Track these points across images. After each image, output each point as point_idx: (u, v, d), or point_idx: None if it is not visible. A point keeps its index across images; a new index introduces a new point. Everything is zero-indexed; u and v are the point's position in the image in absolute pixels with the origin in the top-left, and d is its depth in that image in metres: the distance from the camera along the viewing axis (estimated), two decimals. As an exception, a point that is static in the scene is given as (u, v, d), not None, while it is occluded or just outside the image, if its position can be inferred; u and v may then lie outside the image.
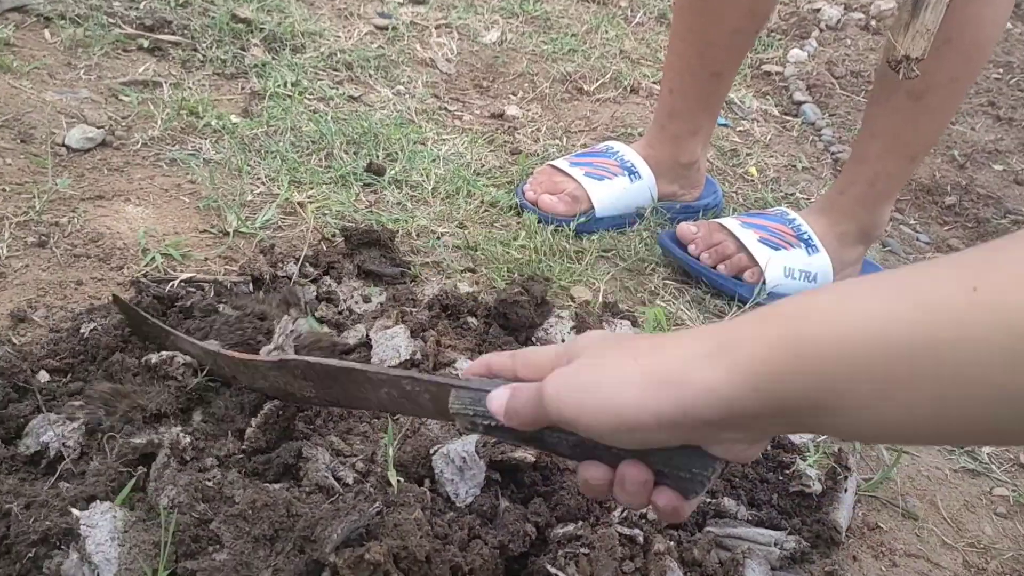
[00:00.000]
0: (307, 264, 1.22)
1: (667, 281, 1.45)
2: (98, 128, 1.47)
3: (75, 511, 0.80)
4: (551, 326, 1.18)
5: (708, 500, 0.99)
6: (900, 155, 1.43)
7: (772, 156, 2.07)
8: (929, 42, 1.06)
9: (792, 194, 1.92)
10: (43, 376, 0.97)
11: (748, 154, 2.06)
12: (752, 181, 1.94)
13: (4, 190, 1.27)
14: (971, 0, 1.24)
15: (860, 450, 1.17)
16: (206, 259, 1.23)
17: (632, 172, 1.59)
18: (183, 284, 1.12)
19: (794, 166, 2.05)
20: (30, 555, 0.80)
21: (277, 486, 0.88)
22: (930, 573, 1.03)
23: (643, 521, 0.94)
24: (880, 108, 1.42)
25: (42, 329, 1.06)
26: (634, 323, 1.24)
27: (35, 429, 0.89)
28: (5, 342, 1.01)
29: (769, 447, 1.10)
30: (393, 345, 1.06)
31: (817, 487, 1.06)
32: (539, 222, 1.48)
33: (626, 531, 0.91)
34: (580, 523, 0.91)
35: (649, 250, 1.53)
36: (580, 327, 1.17)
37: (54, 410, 0.92)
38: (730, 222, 1.50)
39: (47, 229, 1.21)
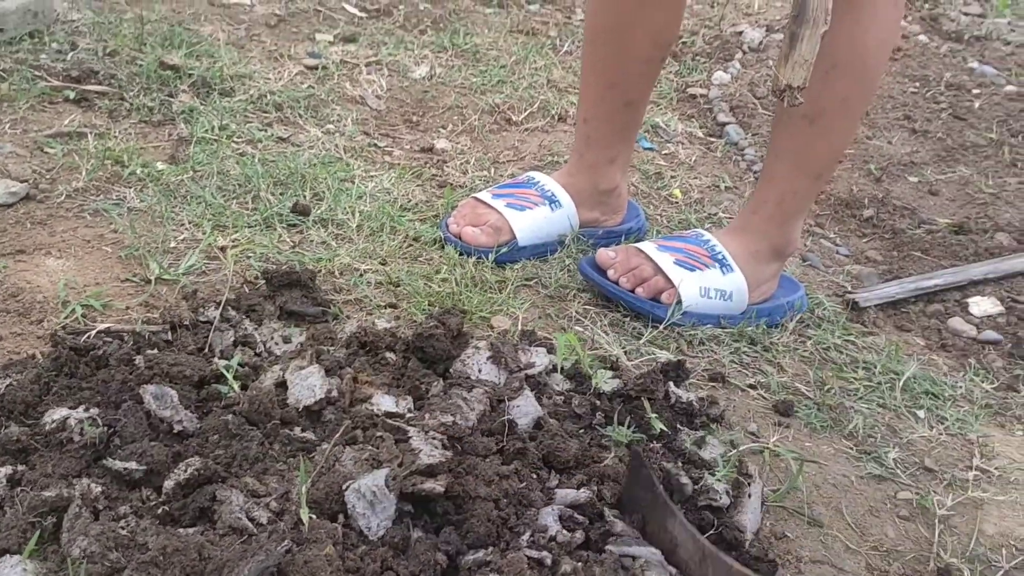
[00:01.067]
0: (229, 308, 1.25)
1: (587, 307, 1.50)
2: (21, 182, 1.49)
3: (-14, 567, 0.82)
4: (468, 357, 1.21)
5: (601, 525, 1.02)
6: (804, 174, 1.49)
7: (696, 177, 2.13)
8: (808, 71, 1.12)
9: (715, 214, 1.98)
10: (-41, 434, 0.99)
11: (673, 176, 2.11)
12: (676, 203, 2.00)
13: (-76, 249, 1.29)
14: (853, 26, 1.30)
15: (768, 461, 1.22)
16: (127, 308, 1.26)
17: (553, 201, 1.63)
18: (101, 334, 1.15)
19: (717, 186, 2.11)
20: (-56, 614, 0.81)
21: (191, 530, 0.91)
22: (835, 578, 1.07)
23: (551, 543, 0.97)
24: (781, 131, 1.48)
25: (-40, 387, 1.07)
26: (550, 349, 1.28)
27: (-49, 485, 0.91)
28: (-78, 401, 1.03)
29: (679, 463, 1.15)
30: (308, 385, 1.09)
31: (725, 500, 1.10)
32: (461, 254, 1.52)
33: (535, 554, 0.94)
34: (490, 549, 0.94)
35: (571, 277, 1.57)
36: (495, 357, 1.20)
37: (-29, 466, 0.93)
38: (647, 246, 1.55)
39: (-33, 286, 1.23)
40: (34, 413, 1.02)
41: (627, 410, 1.20)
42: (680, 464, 1.15)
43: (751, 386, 1.38)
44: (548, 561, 0.94)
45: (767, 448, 1.24)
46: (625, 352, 1.38)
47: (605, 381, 1.24)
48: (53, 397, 1.04)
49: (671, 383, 1.26)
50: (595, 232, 1.70)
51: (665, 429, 1.18)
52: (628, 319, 1.48)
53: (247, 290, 1.32)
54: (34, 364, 1.09)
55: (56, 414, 0.99)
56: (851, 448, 1.28)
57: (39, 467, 0.95)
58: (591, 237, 1.69)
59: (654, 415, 1.18)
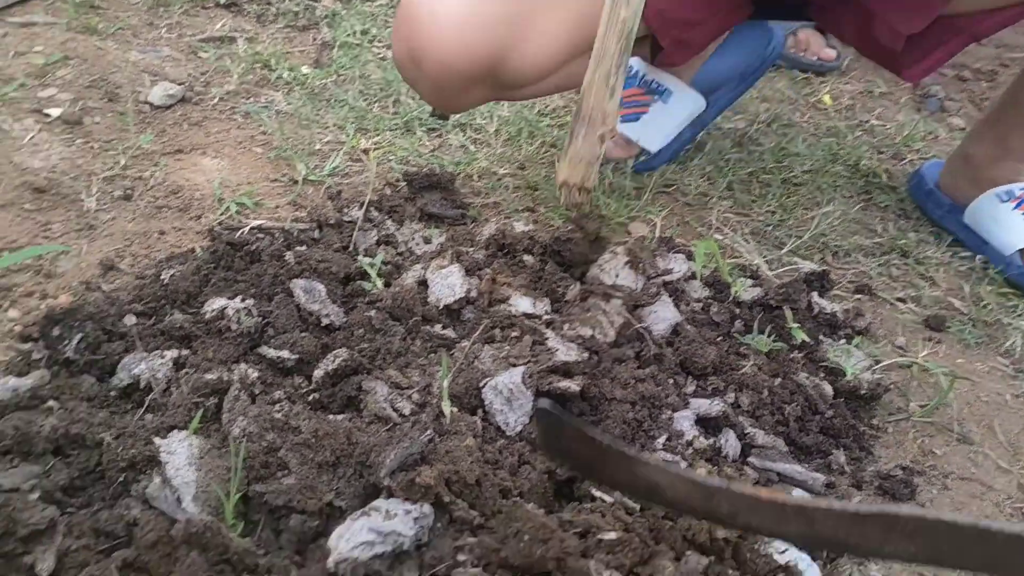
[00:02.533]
0: (372, 208, 1.28)
1: (727, 215, 1.46)
2: (178, 85, 1.55)
3: (157, 440, 0.88)
4: (605, 262, 1.21)
5: (745, 432, 1.02)
6: None
7: (848, 83, 2.03)
8: (588, 170, 1.09)
9: (867, 121, 1.88)
10: (129, 319, 1.05)
11: (822, 82, 2.02)
12: (825, 110, 1.91)
13: (92, 147, 1.37)
14: None
15: (916, 376, 1.18)
16: (276, 206, 1.31)
17: (660, 91, 1.54)
18: (253, 231, 1.19)
19: (871, 92, 2.00)
20: (120, 480, 0.89)
21: (339, 417, 0.95)
22: (983, 496, 1.04)
23: (688, 450, 0.97)
24: None
25: (128, 276, 1.14)
26: (689, 256, 1.26)
27: (127, 365, 0.98)
28: (96, 289, 1.11)
29: (821, 375, 1.12)
30: (448, 284, 1.11)
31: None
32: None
33: (669, 456, 0.95)
34: (625, 450, 0.95)
35: (711, 184, 1.54)
36: (633, 262, 1.19)
37: (144, 349, 1.00)
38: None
39: (132, 183, 1.30)
40: (195, 302, 1.08)
41: (767, 319, 1.17)
42: (821, 376, 1.13)
43: (900, 299, 1.33)
44: (683, 465, 0.95)
45: (915, 363, 1.19)
46: (766, 261, 1.34)
47: (745, 289, 1.21)
48: (212, 288, 1.10)
49: (815, 293, 1.23)
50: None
51: (807, 339, 1.15)
52: (770, 228, 1.44)
53: (389, 192, 1.34)
54: (194, 257, 1.15)
55: (215, 304, 1.04)
56: (1007, 366, 1.22)
57: (200, 352, 1.00)
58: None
59: (795, 325, 1.16)
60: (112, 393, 0.98)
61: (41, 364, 1.01)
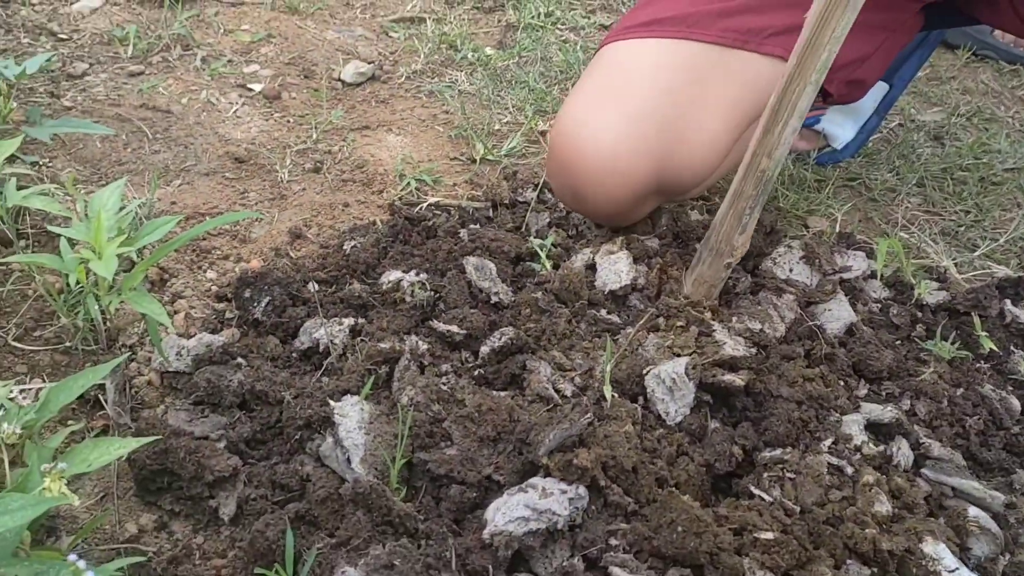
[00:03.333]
0: (545, 190, 1.30)
1: (916, 212, 1.39)
2: (369, 63, 1.62)
3: (331, 402, 0.93)
4: (779, 255, 1.18)
5: (920, 442, 0.97)
6: None
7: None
8: (710, 292, 1.08)
9: (1082, 118, 1.73)
10: (312, 287, 1.12)
11: (1033, 74, 1.87)
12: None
13: (288, 121, 1.45)
14: None
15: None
16: (454, 184, 1.34)
17: None
18: (431, 207, 1.23)
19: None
20: (297, 437, 0.94)
21: (503, 394, 0.97)
22: None
23: (856, 455, 0.94)
24: None
25: (313, 245, 1.21)
26: (869, 254, 1.21)
27: (308, 329, 1.04)
28: (284, 255, 1.18)
29: (1009, 388, 1.05)
30: (616, 270, 1.11)
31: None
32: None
33: (834, 461, 0.92)
34: (788, 449, 0.93)
35: (899, 179, 1.46)
36: (808, 257, 1.16)
37: (323, 315, 1.06)
38: None
39: (321, 156, 1.37)
40: (373, 273, 1.13)
41: (953, 325, 1.11)
42: (1009, 389, 1.06)
43: (1106, 314, 1.22)
44: (849, 470, 0.92)
45: (1118, 384, 1.10)
46: (955, 264, 1.27)
47: (930, 292, 1.15)
48: (389, 260, 1.14)
49: (1008, 300, 1.15)
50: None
51: (996, 349, 1.08)
52: (963, 228, 1.36)
53: (563, 174, 1.35)
54: (374, 230, 1.21)
55: (392, 276, 1.09)
56: None
57: (375, 321, 1.05)
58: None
59: (984, 333, 1.09)
60: (293, 355, 1.04)
61: (232, 323, 1.09)
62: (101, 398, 0.97)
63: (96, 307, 1.00)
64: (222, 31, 1.67)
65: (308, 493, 0.88)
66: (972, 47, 1.91)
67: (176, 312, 1.09)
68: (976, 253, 1.30)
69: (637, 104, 1.09)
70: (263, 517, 0.87)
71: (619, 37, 1.15)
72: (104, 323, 1.03)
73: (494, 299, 1.09)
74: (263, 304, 1.07)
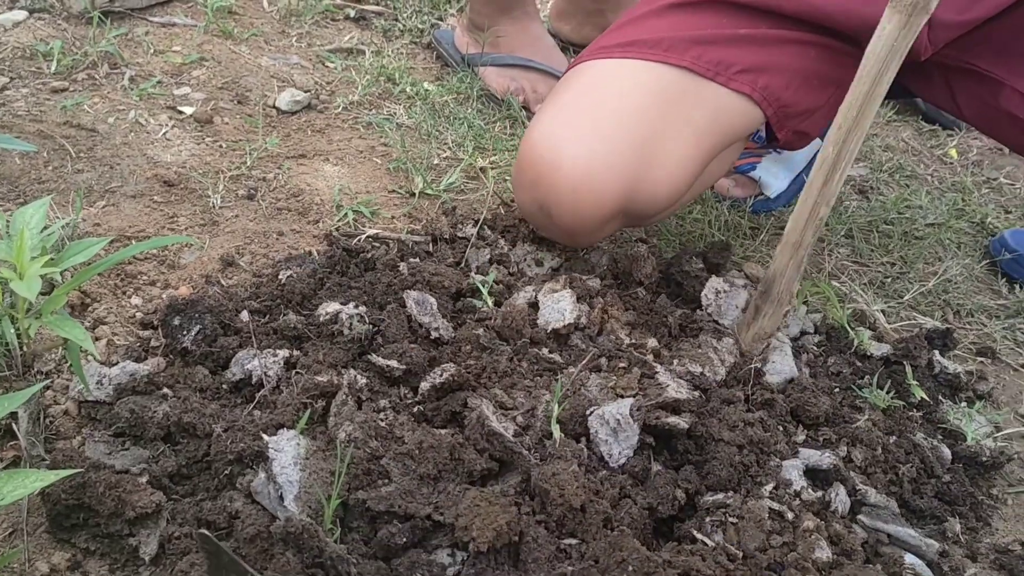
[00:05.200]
0: (485, 227, 1.28)
1: (844, 263, 1.42)
2: (305, 92, 1.59)
3: (265, 436, 0.89)
4: (720, 297, 1.18)
5: (856, 488, 0.98)
6: None
7: (977, 137, 1.96)
8: (766, 343, 1.12)
9: (995, 179, 1.81)
10: (244, 316, 1.07)
11: (949, 135, 1.95)
12: (951, 163, 1.85)
13: (221, 146, 1.41)
14: None
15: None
16: (393, 217, 1.32)
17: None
18: (370, 239, 1.21)
19: (1000, 149, 1.93)
20: (227, 472, 0.90)
21: (442, 431, 0.94)
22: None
23: (795, 501, 0.94)
24: None
25: (246, 273, 1.17)
26: (805, 302, 1.22)
27: (241, 360, 0.99)
28: (215, 283, 1.13)
29: (939, 437, 1.07)
30: (559, 308, 1.10)
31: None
32: (717, 201, 1.48)
33: (775, 506, 0.92)
34: (730, 493, 0.93)
35: (830, 231, 1.50)
36: (748, 301, 1.17)
37: (257, 346, 1.02)
38: None
39: (256, 183, 1.33)
40: (309, 304, 1.10)
41: (886, 374, 1.13)
42: (940, 438, 1.08)
43: (1025, 366, 1.27)
44: (789, 516, 0.92)
45: (1040, 434, 1.13)
46: (883, 312, 1.29)
47: (868, 341, 1.17)
48: (326, 292, 1.11)
49: (936, 351, 1.18)
50: None
51: (926, 398, 1.10)
52: (889, 280, 1.40)
53: (503, 211, 1.34)
54: (311, 260, 1.17)
55: (330, 307, 1.06)
56: None
57: (311, 354, 1.02)
58: None
59: (915, 382, 1.11)
60: (224, 386, 1.00)
61: (158, 352, 1.04)
62: (14, 427, 0.90)
63: (11, 331, 0.94)
64: (152, 51, 1.62)
65: (236, 531, 0.84)
66: (895, 106, 1.99)
67: (98, 339, 1.04)
68: (904, 304, 1.33)
69: (611, 122, 1.09)
70: (187, 557, 0.83)
71: (594, 56, 1.15)
72: (20, 348, 0.97)
73: (434, 334, 1.06)
74: (193, 332, 1.02)
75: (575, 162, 1.08)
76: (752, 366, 1.07)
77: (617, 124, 1.09)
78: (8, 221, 0.95)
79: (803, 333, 1.20)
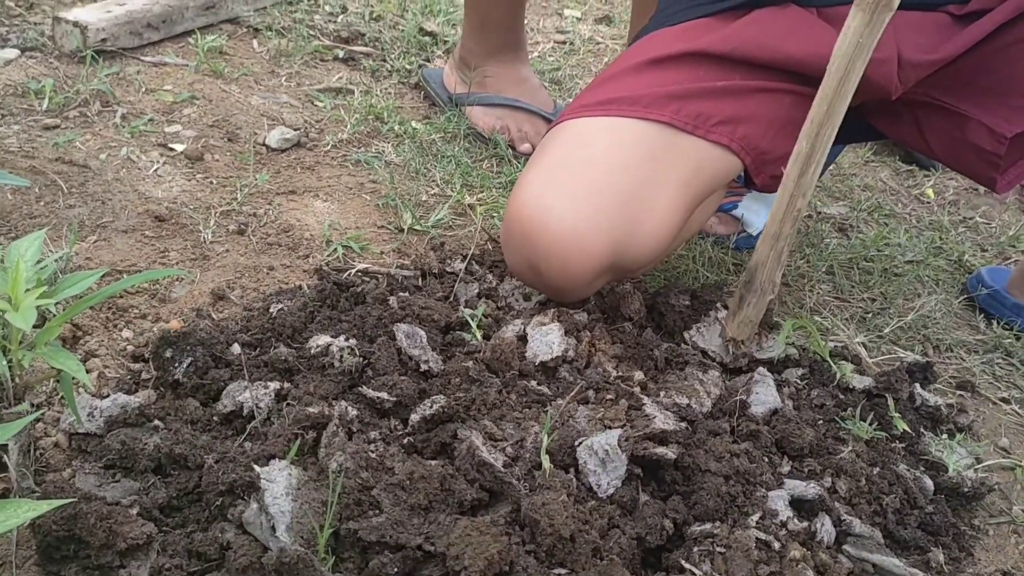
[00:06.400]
0: (473, 262, 1.30)
1: (826, 298, 1.44)
2: (295, 130, 1.61)
3: (257, 467, 0.89)
4: (704, 328, 1.20)
5: (841, 519, 0.99)
6: None
7: (952, 178, 2.00)
8: (753, 330, 1.18)
9: (971, 218, 1.85)
10: (235, 349, 1.08)
11: (926, 175, 1.99)
12: (928, 203, 1.89)
13: (211, 183, 1.42)
14: None
15: (1020, 480, 1.13)
16: (382, 252, 1.34)
17: None
18: (359, 274, 1.22)
19: (976, 189, 1.97)
20: (218, 503, 0.90)
21: (432, 463, 0.95)
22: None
23: (782, 531, 0.95)
24: None
25: (237, 307, 1.18)
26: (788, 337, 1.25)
27: (232, 392, 1.00)
28: (206, 316, 1.14)
29: (921, 468, 1.09)
30: (547, 341, 1.11)
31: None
32: (701, 237, 1.51)
33: (762, 536, 0.93)
34: (717, 523, 0.94)
35: (811, 266, 1.52)
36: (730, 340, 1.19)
37: (248, 378, 1.03)
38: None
39: (246, 219, 1.35)
40: (300, 338, 1.11)
41: (868, 407, 1.15)
42: (922, 469, 1.10)
43: (1003, 399, 1.29)
44: (776, 545, 0.93)
45: (1019, 466, 1.15)
46: (864, 346, 1.32)
47: (850, 374, 1.19)
48: (316, 325, 1.12)
49: (917, 384, 1.20)
50: None
51: (908, 430, 1.12)
52: (870, 315, 1.42)
53: (490, 247, 1.36)
54: (301, 294, 1.18)
55: (320, 340, 1.07)
56: (1117, 479, 1.17)
57: (302, 386, 1.02)
58: None
59: (897, 415, 1.13)
60: (215, 418, 1.00)
61: (149, 385, 1.05)
62: (4, 458, 0.91)
63: (3, 363, 0.95)
64: (144, 90, 1.64)
65: (228, 562, 0.84)
66: (873, 147, 2.03)
67: (89, 371, 1.04)
68: (884, 339, 1.36)
69: (597, 180, 1.11)
70: (178, 588, 0.83)
71: (575, 115, 1.17)
72: (12, 379, 0.97)
73: (424, 367, 1.07)
74: (184, 365, 1.03)
75: (562, 222, 1.09)
76: (738, 398, 1.09)
77: (602, 182, 1.11)
78: (3, 254, 0.96)
79: (786, 364, 1.22)
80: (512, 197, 1.14)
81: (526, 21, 2.34)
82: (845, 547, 0.97)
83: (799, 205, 1.06)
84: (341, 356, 1.05)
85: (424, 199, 1.50)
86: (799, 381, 1.19)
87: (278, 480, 0.88)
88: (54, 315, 1.05)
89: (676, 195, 1.14)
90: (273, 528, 0.85)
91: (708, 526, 0.93)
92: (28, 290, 0.89)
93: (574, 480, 0.93)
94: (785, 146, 1.18)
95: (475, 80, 1.74)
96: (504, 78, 1.74)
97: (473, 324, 1.14)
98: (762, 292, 1.13)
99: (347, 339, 1.08)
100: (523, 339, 1.14)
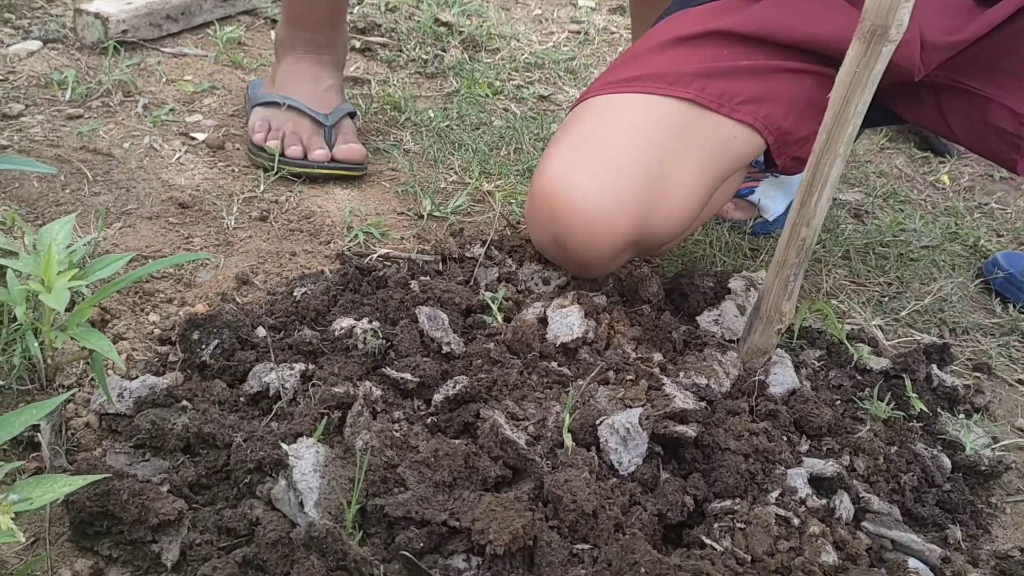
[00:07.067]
0: (492, 247, 1.31)
1: (843, 282, 1.45)
2: (313, 119, 1.62)
3: (284, 445, 0.91)
4: (721, 314, 1.21)
5: (860, 496, 1.00)
6: None
7: (968, 164, 2.00)
8: (766, 356, 1.14)
9: (986, 204, 1.85)
10: (260, 331, 1.10)
11: (941, 161, 2.00)
12: (943, 189, 1.89)
13: (233, 171, 1.44)
14: None
15: (1038, 460, 1.14)
16: (402, 238, 1.35)
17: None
18: (381, 258, 1.24)
19: (991, 175, 1.97)
20: (246, 481, 0.92)
21: (456, 442, 0.97)
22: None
23: (801, 508, 0.96)
24: None
25: (261, 292, 1.20)
26: (804, 320, 1.26)
27: (258, 373, 1.02)
28: (231, 300, 1.16)
29: (938, 448, 1.10)
30: (567, 323, 1.13)
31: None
32: (717, 223, 1.52)
33: (782, 512, 0.94)
34: (737, 500, 0.95)
35: (827, 251, 1.53)
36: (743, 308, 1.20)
37: (274, 360, 1.04)
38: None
39: (268, 206, 1.36)
40: (323, 320, 1.12)
41: (886, 387, 1.16)
42: (939, 448, 1.11)
43: (1020, 381, 1.30)
44: (796, 522, 0.94)
45: (1036, 446, 1.16)
46: (881, 328, 1.33)
47: (867, 356, 1.20)
48: (340, 308, 1.14)
49: (934, 366, 1.21)
50: None
51: (925, 410, 1.13)
52: (886, 299, 1.43)
53: (509, 233, 1.38)
54: (324, 278, 1.20)
55: (343, 323, 1.08)
56: None
57: (327, 367, 1.04)
58: None
59: (914, 395, 1.14)
60: (241, 399, 1.02)
61: (176, 366, 1.07)
62: (38, 437, 0.93)
63: (36, 344, 0.97)
64: (164, 80, 1.66)
65: (257, 537, 0.86)
66: (888, 134, 2.03)
67: (118, 354, 1.06)
68: (901, 321, 1.37)
69: (622, 156, 1.12)
70: (208, 562, 0.84)
71: (600, 92, 1.19)
72: (44, 361, 0.99)
73: (446, 349, 1.09)
74: (211, 347, 1.05)
75: (587, 197, 1.11)
76: (756, 378, 1.10)
77: (627, 158, 1.12)
78: (35, 239, 0.98)
79: (802, 347, 1.23)
80: (537, 173, 1.15)
81: (540, 11, 2.35)
82: (864, 524, 0.98)
83: (803, 234, 1.04)
84: (364, 338, 1.07)
85: (443, 186, 1.51)
86: (816, 362, 1.20)
87: (306, 457, 0.90)
88: (83, 298, 1.07)
89: (700, 172, 1.15)
90: (301, 504, 0.87)
91: (728, 503, 0.94)
92: (60, 272, 0.91)
93: (596, 458, 0.95)
94: (807, 127, 1.19)
95: (273, 76, 1.57)
96: (294, 75, 1.53)
97: (494, 307, 1.16)
98: (768, 321, 1.11)
99: (370, 321, 1.09)
100: (543, 321, 1.15)
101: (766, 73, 1.17)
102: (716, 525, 0.92)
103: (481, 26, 2.16)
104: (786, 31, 1.16)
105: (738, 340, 1.17)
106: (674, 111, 1.15)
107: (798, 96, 1.18)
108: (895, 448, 1.08)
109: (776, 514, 0.94)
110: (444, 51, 2.03)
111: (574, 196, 1.11)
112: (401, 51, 1.98)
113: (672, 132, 1.14)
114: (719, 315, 1.22)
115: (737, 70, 1.16)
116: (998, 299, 1.50)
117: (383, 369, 1.04)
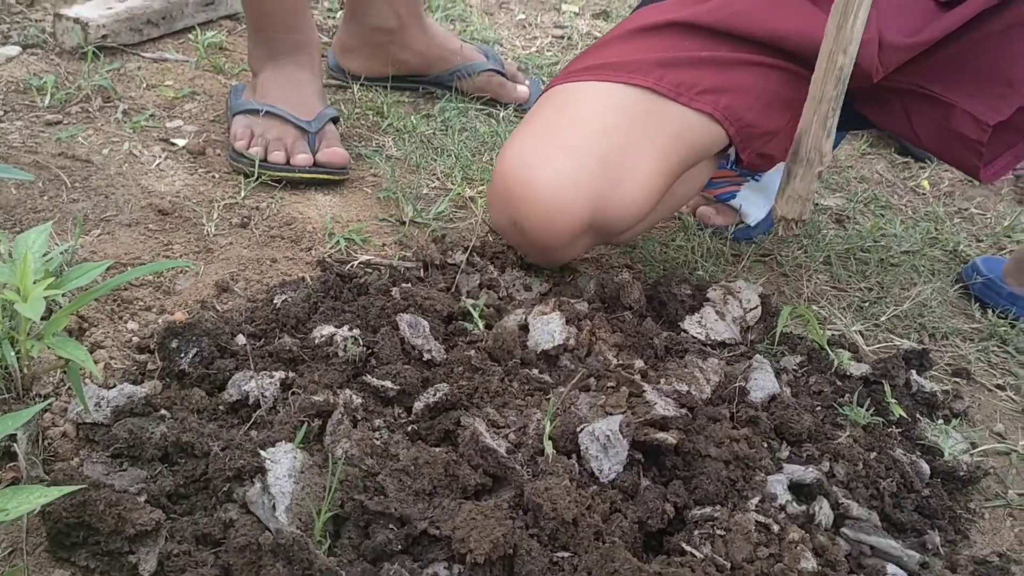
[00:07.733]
0: (474, 254, 1.31)
1: (824, 287, 1.46)
2: (295, 125, 1.62)
3: (262, 451, 0.91)
4: (702, 318, 1.22)
5: (839, 502, 1.00)
6: None
7: (948, 169, 2.02)
8: (804, 206, 1.11)
9: (966, 209, 1.87)
10: (240, 339, 1.09)
11: (921, 167, 2.01)
12: (923, 195, 1.90)
13: (214, 177, 1.43)
14: None
15: (1015, 464, 1.15)
16: (383, 245, 1.35)
17: (751, 173, 1.56)
18: (362, 265, 1.23)
19: (971, 181, 1.99)
20: (225, 490, 0.91)
21: (436, 449, 0.97)
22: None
23: (781, 514, 0.97)
24: None
25: (241, 299, 1.19)
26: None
27: (237, 382, 1.01)
28: (211, 308, 1.15)
29: (917, 453, 1.11)
30: (548, 330, 1.13)
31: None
32: (699, 228, 1.52)
33: (762, 519, 0.94)
34: (718, 506, 0.95)
35: (808, 256, 1.54)
36: (722, 315, 1.20)
37: (253, 368, 1.04)
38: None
39: (249, 212, 1.36)
40: (303, 328, 1.12)
41: (866, 393, 1.16)
42: (918, 454, 1.11)
43: (999, 386, 1.31)
44: (775, 528, 0.94)
45: (1015, 451, 1.17)
46: (861, 334, 1.33)
47: (847, 362, 1.21)
48: (320, 316, 1.13)
49: (913, 371, 1.22)
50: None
51: (904, 416, 1.14)
52: (867, 304, 1.44)
53: (491, 239, 1.38)
54: (305, 285, 1.20)
55: (324, 330, 1.08)
56: (1111, 463, 1.19)
57: (307, 375, 1.04)
58: None
59: (893, 400, 1.14)
60: (220, 407, 1.01)
61: (155, 375, 1.06)
62: (15, 448, 0.92)
63: (12, 353, 0.96)
64: (145, 86, 1.65)
65: (228, 540, 0.85)
66: (869, 139, 2.05)
67: (95, 362, 1.05)
68: (881, 327, 1.37)
69: (579, 141, 1.14)
70: (185, 574, 0.84)
71: (565, 80, 1.21)
72: (20, 370, 0.98)
73: (427, 356, 1.09)
74: (190, 355, 1.04)
75: (544, 179, 1.14)
76: (737, 384, 1.10)
77: (584, 143, 1.15)
78: (10, 246, 0.97)
79: (783, 353, 1.23)
80: (499, 156, 1.19)
81: (523, 16, 2.35)
82: (843, 530, 0.99)
83: (840, 62, 1.01)
84: (345, 346, 1.06)
85: (425, 192, 1.51)
86: (797, 368, 1.20)
87: (282, 461, 0.89)
88: (60, 307, 1.07)
89: (657, 159, 1.16)
90: (274, 508, 0.87)
91: (708, 510, 0.95)
92: (36, 281, 0.91)
93: (576, 465, 0.95)
94: (773, 121, 1.20)
95: (254, 85, 1.56)
96: (273, 82, 1.52)
97: (475, 314, 1.15)
98: (809, 163, 1.08)
99: (351, 329, 1.09)
100: (524, 328, 1.15)
101: (728, 65, 1.18)
102: (696, 532, 0.92)
103: (465, 31, 2.16)
104: (746, 24, 1.18)
105: (733, 341, 1.18)
106: (633, 99, 1.16)
107: (763, 89, 1.19)
108: (874, 454, 1.08)
109: (756, 521, 0.94)
110: (427, 56, 2.02)
111: (531, 179, 1.14)
112: (384, 56, 1.98)
113: (630, 119, 1.16)
114: (700, 317, 1.22)
115: (697, 60, 1.18)
116: (977, 304, 1.51)
117: (364, 377, 1.04)
